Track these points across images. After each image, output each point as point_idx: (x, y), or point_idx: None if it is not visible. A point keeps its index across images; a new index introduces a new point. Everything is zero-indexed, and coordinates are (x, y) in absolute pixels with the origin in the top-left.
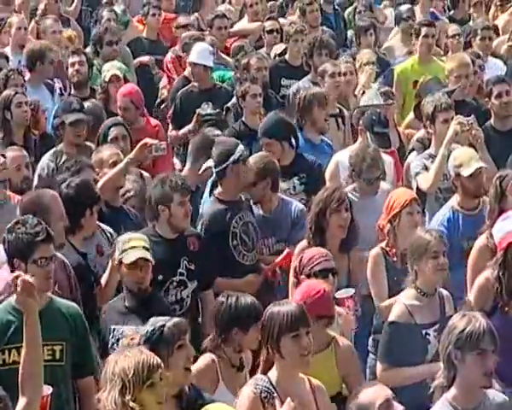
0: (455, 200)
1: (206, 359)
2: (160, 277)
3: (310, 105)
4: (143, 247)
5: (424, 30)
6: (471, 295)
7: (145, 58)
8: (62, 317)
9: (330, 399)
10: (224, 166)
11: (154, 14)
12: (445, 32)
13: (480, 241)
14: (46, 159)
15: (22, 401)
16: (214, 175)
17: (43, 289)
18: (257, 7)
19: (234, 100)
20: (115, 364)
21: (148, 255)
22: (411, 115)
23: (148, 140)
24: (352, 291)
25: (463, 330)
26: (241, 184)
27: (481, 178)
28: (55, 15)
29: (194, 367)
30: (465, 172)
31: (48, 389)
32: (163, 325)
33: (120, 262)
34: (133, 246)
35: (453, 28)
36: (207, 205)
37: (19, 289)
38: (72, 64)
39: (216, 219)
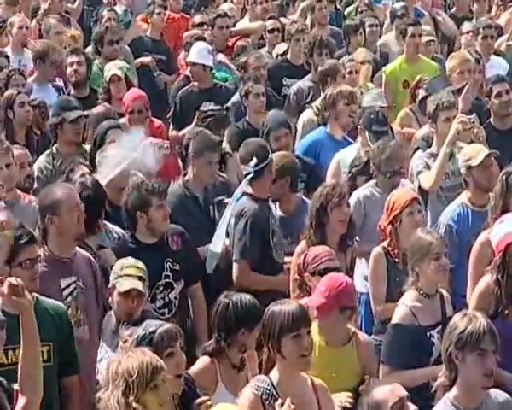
0: (465, 196)
1: (205, 360)
2: None
3: (335, 101)
4: (139, 277)
5: (410, 30)
6: (471, 299)
7: (146, 59)
8: (49, 317)
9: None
10: (264, 164)
11: (159, 13)
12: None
13: (482, 236)
14: (43, 160)
15: (22, 401)
16: (252, 174)
17: (29, 290)
18: (267, 4)
19: (234, 99)
20: (118, 364)
21: (141, 287)
22: (402, 113)
23: (151, 139)
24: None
25: (464, 330)
26: (271, 181)
27: (492, 168)
28: (58, 15)
29: (193, 368)
30: (475, 162)
31: None
32: (153, 331)
33: (113, 287)
34: (128, 274)
35: (468, 25)
36: (245, 204)
37: (6, 293)
38: (71, 64)
39: (258, 217)
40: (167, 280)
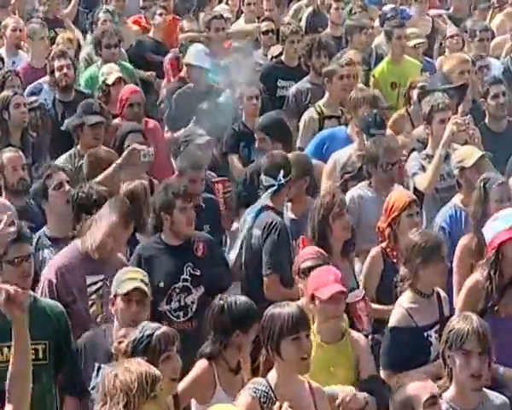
0: (458, 198)
1: (203, 364)
2: (161, 284)
3: (358, 104)
4: (141, 280)
5: (396, 32)
6: (459, 295)
7: (146, 74)
8: (45, 316)
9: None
10: (289, 178)
11: (161, 14)
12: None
13: (462, 241)
14: (63, 160)
15: (9, 407)
16: (276, 187)
17: (19, 287)
18: (271, 13)
19: (223, 98)
20: (115, 377)
21: (146, 288)
22: (396, 115)
23: (135, 146)
24: (361, 293)
25: (451, 330)
26: None
27: (485, 169)
28: (40, 20)
29: (192, 372)
30: (468, 163)
31: None
32: (151, 334)
33: (115, 296)
34: (131, 278)
35: (451, 29)
36: (273, 217)
37: (1, 299)
38: (60, 68)
39: (285, 230)
40: (185, 284)
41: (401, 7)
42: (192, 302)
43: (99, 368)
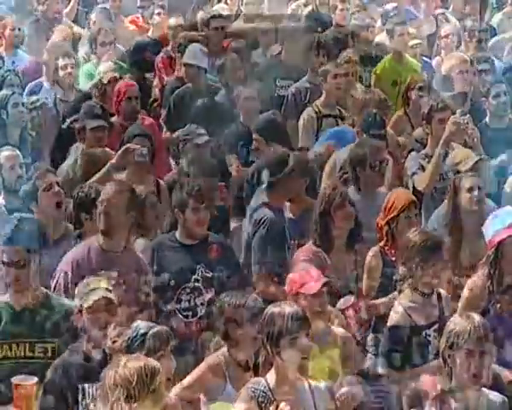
0: None
1: (213, 358)
2: (172, 282)
3: (365, 106)
4: (105, 288)
5: (398, 29)
6: (461, 297)
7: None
8: (56, 314)
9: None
10: (279, 176)
11: (159, 14)
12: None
13: None
14: (68, 161)
15: None
16: (266, 184)
17: (15, 290)
18: (271, 13)
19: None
20: (115, 374)
21: (111, 295)
22: (396, 116)
23: (129, 145)
24: (350, 299)
25: (452, 329)
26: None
27: (481, 174)
28: (38, 17)
29: (202, 366)
30: (464, 166)
31: (32, 379)
32: (145, 333)
33: (81, 311)
34: (93, 288)
35: (446, 28)
36: (263, 213)
37: None
38: (65, 67)
39: (277, 226)
40: (196, 284)
41: (406, 6)
42: (202, 304)
43: (83, 388)
